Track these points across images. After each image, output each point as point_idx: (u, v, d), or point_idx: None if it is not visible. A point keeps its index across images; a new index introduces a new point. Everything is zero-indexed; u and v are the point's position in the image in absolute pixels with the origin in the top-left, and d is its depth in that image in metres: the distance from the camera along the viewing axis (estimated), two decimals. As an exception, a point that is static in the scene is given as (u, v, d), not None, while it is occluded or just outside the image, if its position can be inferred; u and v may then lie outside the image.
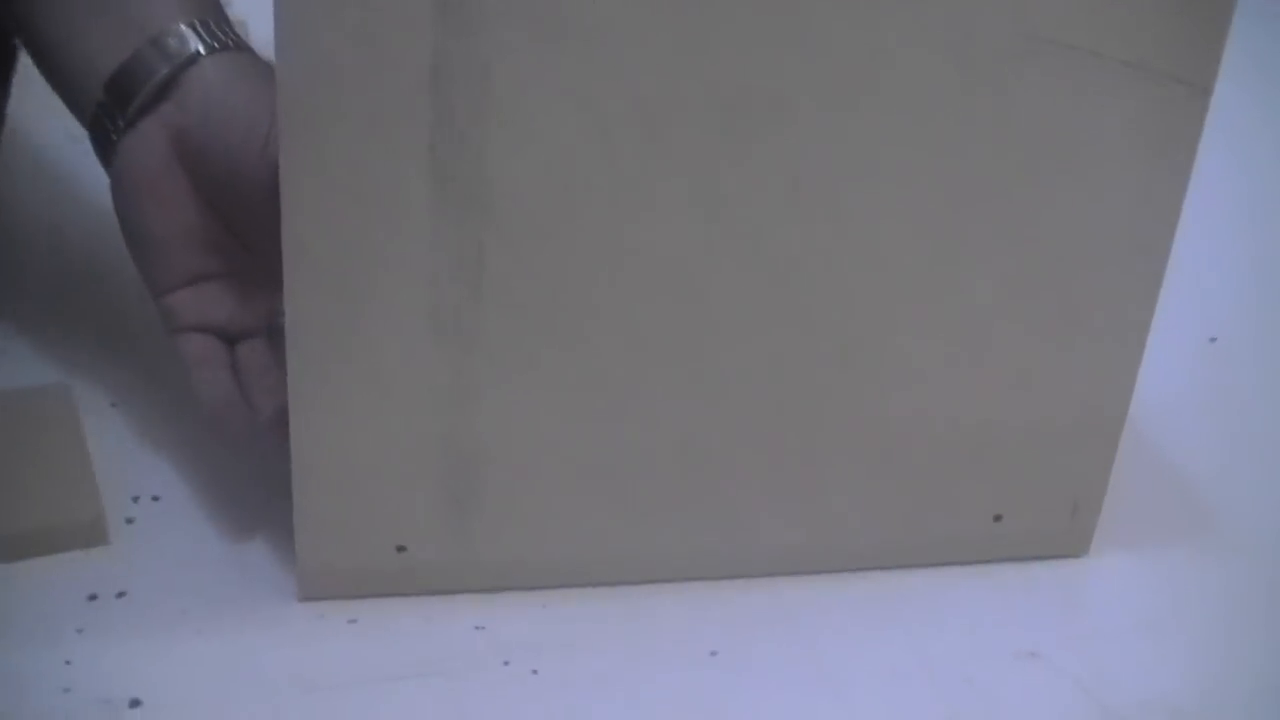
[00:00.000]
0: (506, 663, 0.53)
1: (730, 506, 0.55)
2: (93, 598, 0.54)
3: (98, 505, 0.56)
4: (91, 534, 0.55)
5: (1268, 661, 0.56)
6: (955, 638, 0.55)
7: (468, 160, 0.47)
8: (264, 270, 0.55)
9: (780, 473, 0.55)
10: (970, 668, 0.54)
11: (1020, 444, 0.56)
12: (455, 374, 0.51)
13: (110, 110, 0.54)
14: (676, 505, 0.55)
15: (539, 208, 0.48)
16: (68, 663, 0.51)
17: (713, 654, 0.54)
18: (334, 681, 0.51)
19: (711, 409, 0.53)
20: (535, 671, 0.52)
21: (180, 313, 0.55)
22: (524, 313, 0.50)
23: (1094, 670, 0.54)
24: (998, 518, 0.58)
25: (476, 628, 0.54)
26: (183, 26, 0.54)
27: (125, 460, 0.59)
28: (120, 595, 0.54)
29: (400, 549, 0.54)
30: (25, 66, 0.59)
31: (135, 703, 0.50)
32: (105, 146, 0.55)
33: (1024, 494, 0.57)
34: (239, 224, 0.55)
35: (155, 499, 0.58)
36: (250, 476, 0.58)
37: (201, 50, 0.54)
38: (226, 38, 0.55)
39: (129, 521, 0.57)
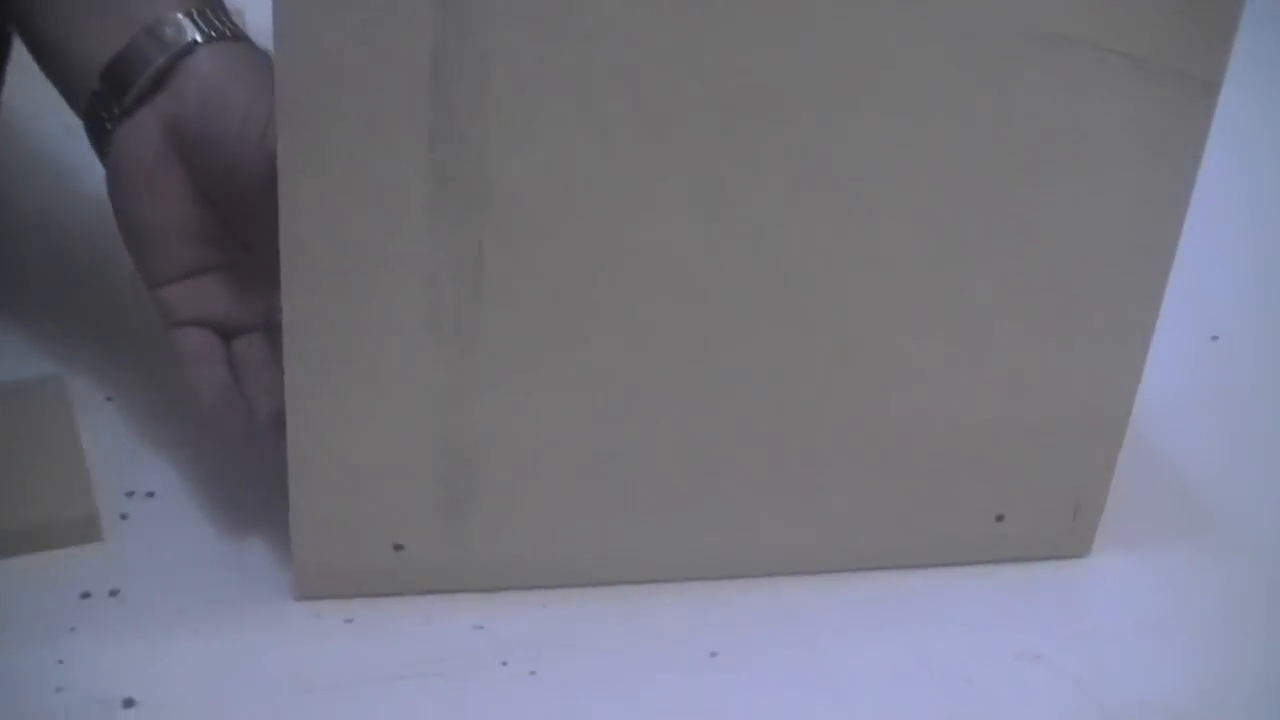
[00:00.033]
0: (505, 663, 0.52)
1: (730, 506, 0.55)
2: (86, 596, 0.53)
3: (92, 501, 0.56)
4: (85, 531, 0.55)
5: (1268, 662, 0.56)
6: (956, 639, 0.55)
7: (467, 159, 0.47)
8: (261, 264, 0.54)
9: (780, 473, 0.54)
10: (970, 669, 0.54)
11: (1022, 444, 0.56)
12: (453, 373, 0.50)
13: (106, 100, 0.54)
14: (676, 505, 0.54)
15: (539, 207, 0.48)
16: (61, 662, 0.50)
17: (713, 655, 0.54)
18: (331, 682, 0.51)
19: (711, 409, 0.53)
20: (533, 672, 0.52)
21: (176, 306, 0.55)
22: (523, 312, 0.50)
23: (1094, 671, 0.54)
24: (999, 518, 0.57)
25: (475, 627, 0.54)
26: (179, 15, 0.53)
27: (120, 456, 0.58)
28: (114, 593, 0.53)
29: (398, 548, 0.53)
30: (20, 55, 0.58)
31: (129, 702, 0.49)
32: (100, 137, 0.55)
33: (1026, 494, 0.57)
34: (236, 216, 0.55)
35: (150, 495, 0.57)
36: (247, 474, 0.57)
37: (199, 39, 0.53)
38: (224, 27, 0.54)
39: (123, 518, 0.56)
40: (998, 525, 0.57)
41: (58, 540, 0.55)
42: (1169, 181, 0.52)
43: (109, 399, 0.61)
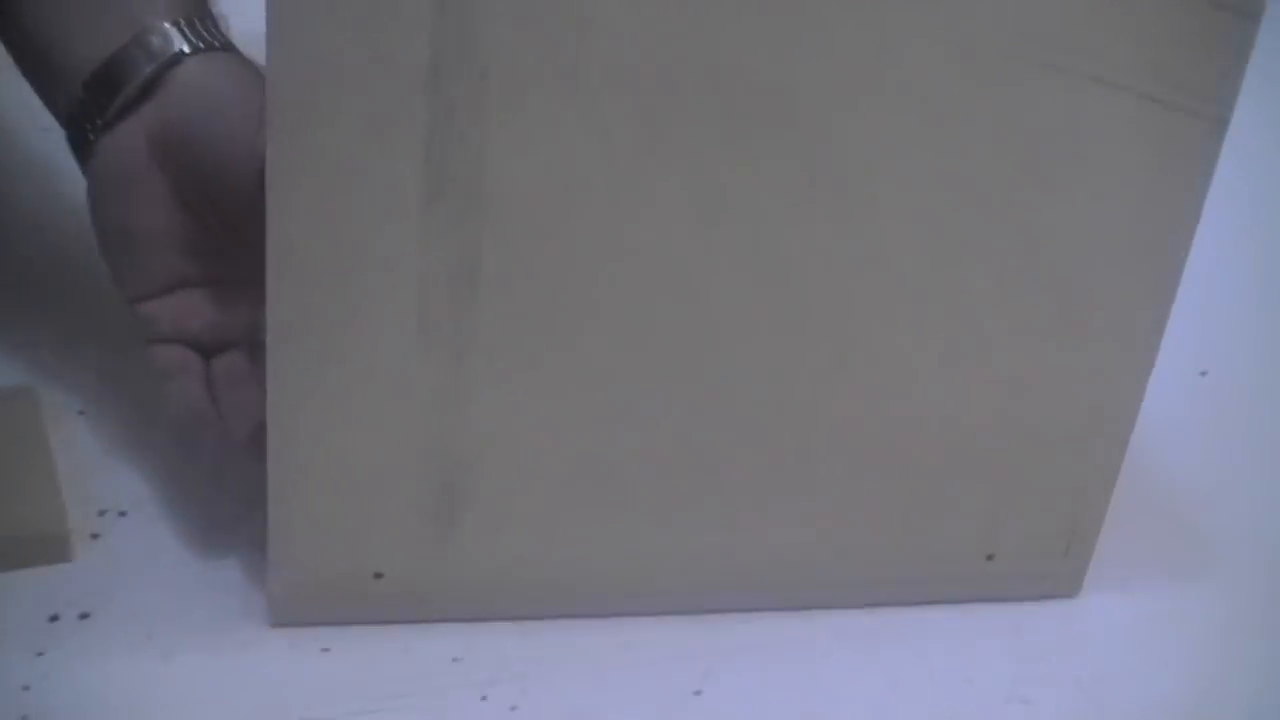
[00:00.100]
0: (484, 697, 0.51)
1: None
2: (54, 619, 0.52)
3: (64, 520, 0.54)
4: (55, 550, 0.54)
5: (1262, 702, 0.56)
6: (945, 679, 0.55)
7: (466, 160, 0.46)
8: (244, 280, 0.54)
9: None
10: (960, 710, 0.53)
11: (1013, 483, 0.55)
12: (447, 378, 0.50)
13: (89, 109, 0.53)
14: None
15: (538, 208, 0.48)
16: (26, 688, 0.49)
17: (696, 693, 0.53)
18: (305, 714, 0.50)
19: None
20: (515, 708, 0.51)
21: (157, 321, 0.54)
22: (521, 314, 0.49)
23: (1086, 713, 0.54)
24: (990, 557, 0.57)
25: (454, 659, 0.53)
26: (167, 25, 0.53)
27: (92, 472, 0.57)
28: (83, 616, 0.52)
29: (378, 575, 0.52)
30: (1, 57, 0.57)
31: (98, 730, 0.48)
32: (82, 146, 0.54)
33: (1016, 533, 0.57)
34: (220, 228, 0.54)
35: (122, 514, 0.56)
36: (223, 494, 0.56)
37: (186, 49, 0.52)
38: (213, 38, 0.53)
39: (94, 537, 0.55)
40: (988, 564, 0.57)
41: (26, 559, 0.53)
42: (1177, 185, 0.51)
43: (81, 412, 0.60)
